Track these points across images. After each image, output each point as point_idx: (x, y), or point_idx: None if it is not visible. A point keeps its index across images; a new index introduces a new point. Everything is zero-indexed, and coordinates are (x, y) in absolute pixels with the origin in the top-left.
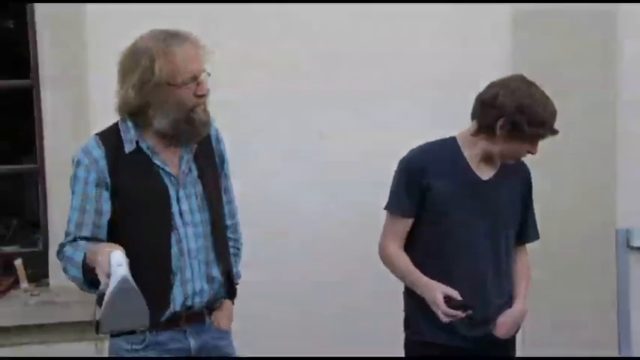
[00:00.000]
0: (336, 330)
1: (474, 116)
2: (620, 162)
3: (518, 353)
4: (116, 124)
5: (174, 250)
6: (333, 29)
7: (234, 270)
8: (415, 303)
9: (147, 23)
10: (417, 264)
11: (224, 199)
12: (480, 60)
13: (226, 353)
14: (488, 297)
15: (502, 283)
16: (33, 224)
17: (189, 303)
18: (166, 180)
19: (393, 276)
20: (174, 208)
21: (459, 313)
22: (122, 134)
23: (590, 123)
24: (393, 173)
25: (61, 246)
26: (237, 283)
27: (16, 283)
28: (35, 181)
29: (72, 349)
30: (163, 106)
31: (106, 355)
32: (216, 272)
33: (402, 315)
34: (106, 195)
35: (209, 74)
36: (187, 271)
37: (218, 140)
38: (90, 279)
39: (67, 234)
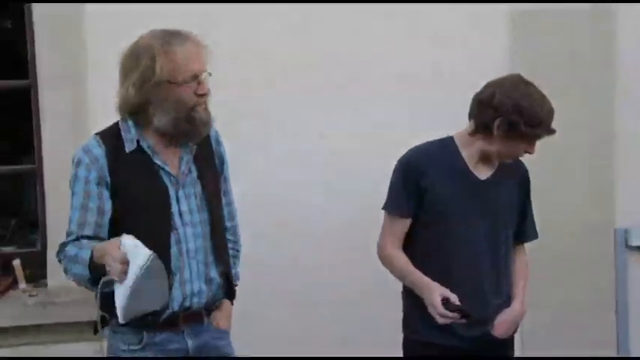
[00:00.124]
0: (335, 330)
1: (471, 116)
2: (619, 162)
3: (517, 353)
4: (116, 124)
5: (173, 250)
6: (333, 29)
7: (233, 271)
8: (413, 303)
9: (146, 23)
10: (417, 264)
11: (223, 200)
12: (479, 60)
13: (225, 353)
14: (486, 297)
15: (501, 282)
16: (31, 224)
17: (187, 304)
18: (166, 180)
19: (393, 276)
20: (174, 208)
21: (456, 316)
22: (123, 134)
23: (589, 123)
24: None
25: (63, 245)
26: (236, 285)
27: (14, 283)
28: (34, 181)
29: (70, 349)
30: (164, 104)
31: (104, 355)
32: (214, 273)
33: (400, 315)
34: (106, 194)
35: (210, 74)
36: (186, 272)
37: (218, 142)
38: (94, 276)
39: (68, 234)
